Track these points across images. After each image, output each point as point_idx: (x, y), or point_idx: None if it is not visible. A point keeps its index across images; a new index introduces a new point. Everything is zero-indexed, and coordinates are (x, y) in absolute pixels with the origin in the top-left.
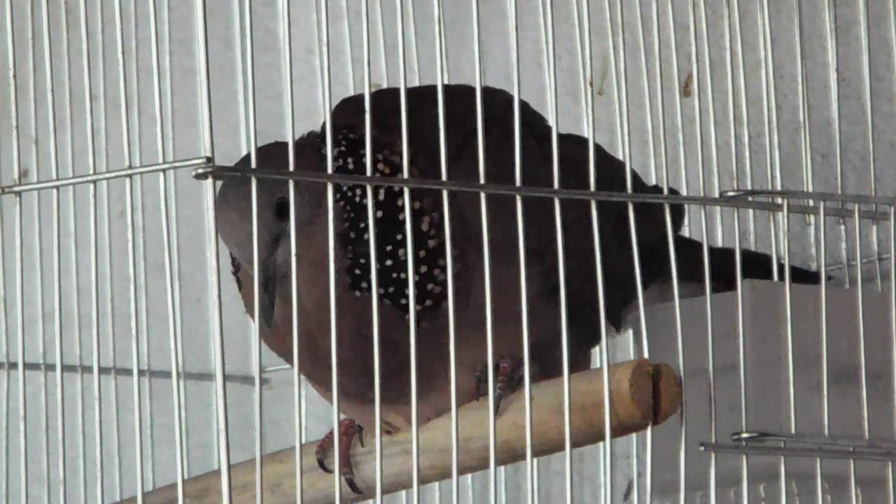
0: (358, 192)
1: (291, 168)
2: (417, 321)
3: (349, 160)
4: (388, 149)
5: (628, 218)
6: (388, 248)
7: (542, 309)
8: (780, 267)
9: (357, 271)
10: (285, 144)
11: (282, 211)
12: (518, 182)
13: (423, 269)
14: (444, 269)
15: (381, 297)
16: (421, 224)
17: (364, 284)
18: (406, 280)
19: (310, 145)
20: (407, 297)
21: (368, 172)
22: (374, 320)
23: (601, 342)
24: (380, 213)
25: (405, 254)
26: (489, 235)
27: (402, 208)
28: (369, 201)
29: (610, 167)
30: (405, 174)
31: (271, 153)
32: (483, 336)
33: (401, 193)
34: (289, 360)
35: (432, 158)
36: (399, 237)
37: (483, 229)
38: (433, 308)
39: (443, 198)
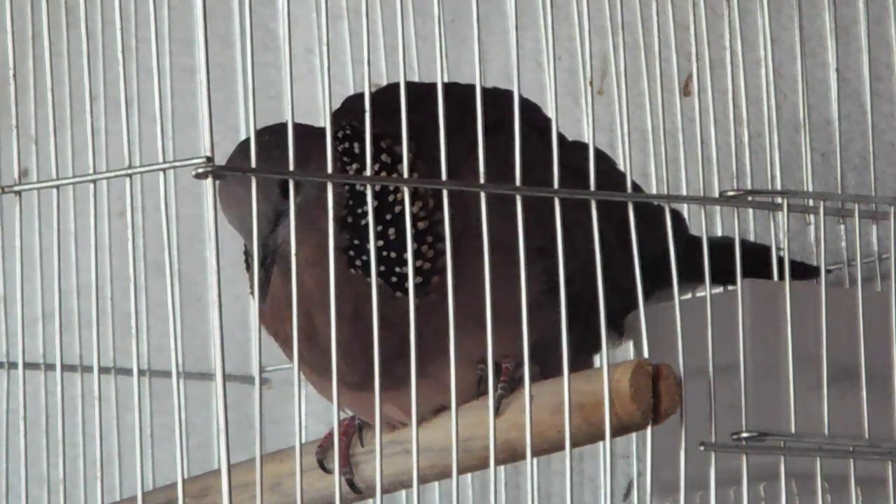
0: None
1: (291, 167)
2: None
3: (354, 144)
4: (393, 138)
5: (633, 224)
6: (379, 227)
7: (543, 309)
8: (780, 262)
9: (351, 252)
10: (294, 126)
11: (286, 189)
12: (518, 182)
13: (414, 245)
14: (431, 246)
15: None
16: (413, 204)
17: (358, 263)
18: (396, 259)
19: (319, 131)
20: (396, 273)
21: (368, 171)
22: (374, 319)
23: (602, 345)
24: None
25: (395, 233)
26: (491, 233)
27: (393, 191)
28: (369, 200)
29: (618, 178)
30: (405, 174)
31: (277, 134)
32: (483, 332)
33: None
34: (287, 344)
35: (440, 152)
36: (388, 217)
37: (483, 229)
38: (422, 285)
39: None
